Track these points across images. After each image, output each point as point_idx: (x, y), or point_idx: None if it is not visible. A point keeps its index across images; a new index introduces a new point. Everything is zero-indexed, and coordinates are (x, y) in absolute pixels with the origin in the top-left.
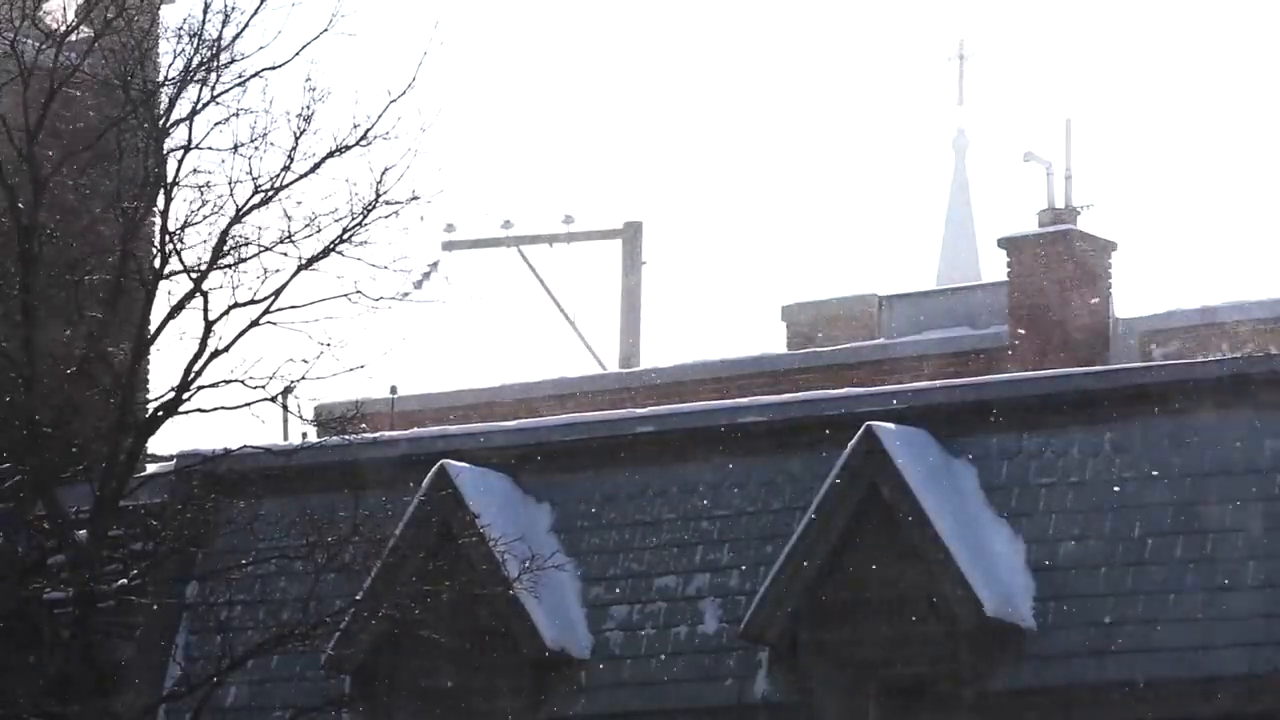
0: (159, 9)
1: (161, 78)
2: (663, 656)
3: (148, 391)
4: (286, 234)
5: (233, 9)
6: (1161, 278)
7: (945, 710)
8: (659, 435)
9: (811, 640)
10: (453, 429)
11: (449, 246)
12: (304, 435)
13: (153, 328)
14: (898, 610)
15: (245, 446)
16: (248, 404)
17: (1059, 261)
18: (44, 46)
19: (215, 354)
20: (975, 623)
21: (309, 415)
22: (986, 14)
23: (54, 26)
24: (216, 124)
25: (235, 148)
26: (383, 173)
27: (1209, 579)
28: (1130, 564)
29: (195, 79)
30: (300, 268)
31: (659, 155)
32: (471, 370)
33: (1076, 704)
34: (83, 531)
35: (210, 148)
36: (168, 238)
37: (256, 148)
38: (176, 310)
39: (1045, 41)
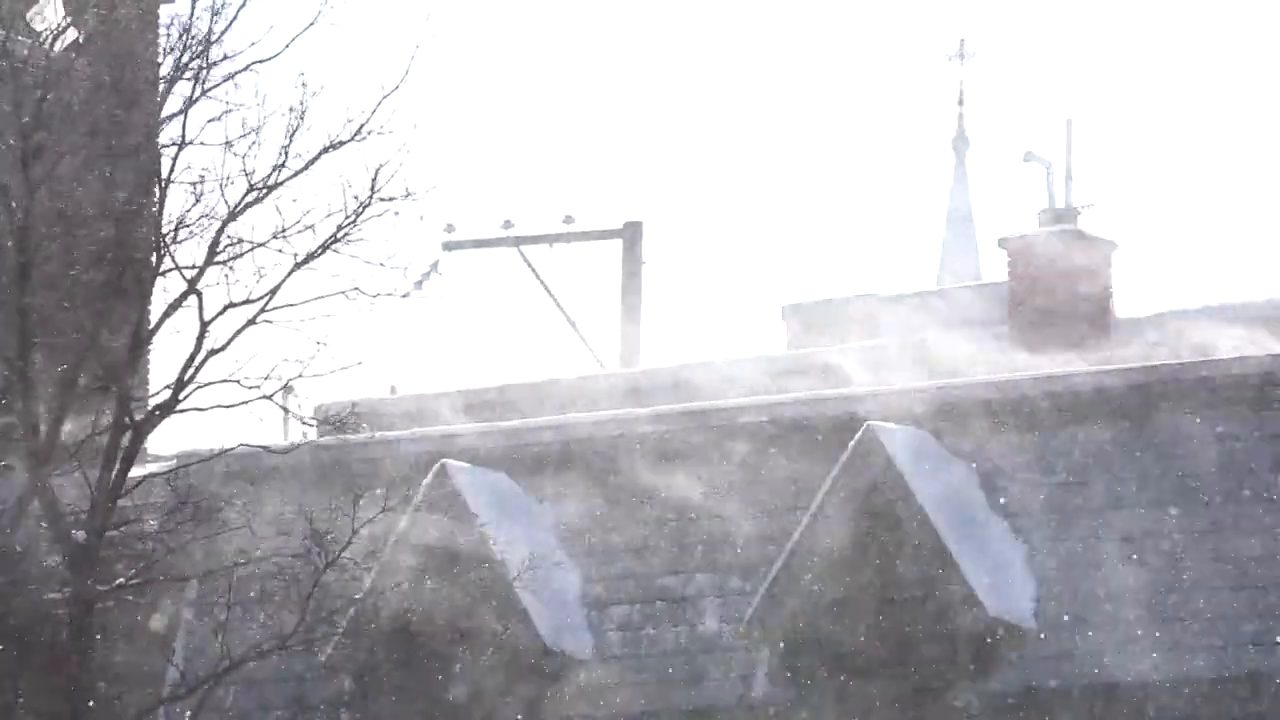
0: (158, 8)
1: (154, 74)
2: (663, 656)
3: (147, 390)
4: (280, 230)
5: (223, 3)
6: (1161, 278)
7: (945, 710)
8: (659, 435)
9: (811, 640)
10: (453, 429)
11: (449, 246)
12: (304, 434)
13: (149, 327)
14: (898, 610)
15: (244, 445)
16: (244, 403)
17: (1059, 261)
18: (36, 45)
19: (211, 353)
20: (975, 623)
21: (309, 414)
22: (986, 14)
23: (44, 26)
24: (210, 119)
25: (228, 144)
26: (377, 169)
27: (1209, 579)
28: (1130, 564)
29: (186, 75)
30: (295, 266)
31: (659, 155)
32: (471, 370)
33: (1077, 704)
34: (81, 531)
35: (203, 143)
36: (162, 237)
37: (250, 145)
38: (172, 310)
39: (1045, 41)
